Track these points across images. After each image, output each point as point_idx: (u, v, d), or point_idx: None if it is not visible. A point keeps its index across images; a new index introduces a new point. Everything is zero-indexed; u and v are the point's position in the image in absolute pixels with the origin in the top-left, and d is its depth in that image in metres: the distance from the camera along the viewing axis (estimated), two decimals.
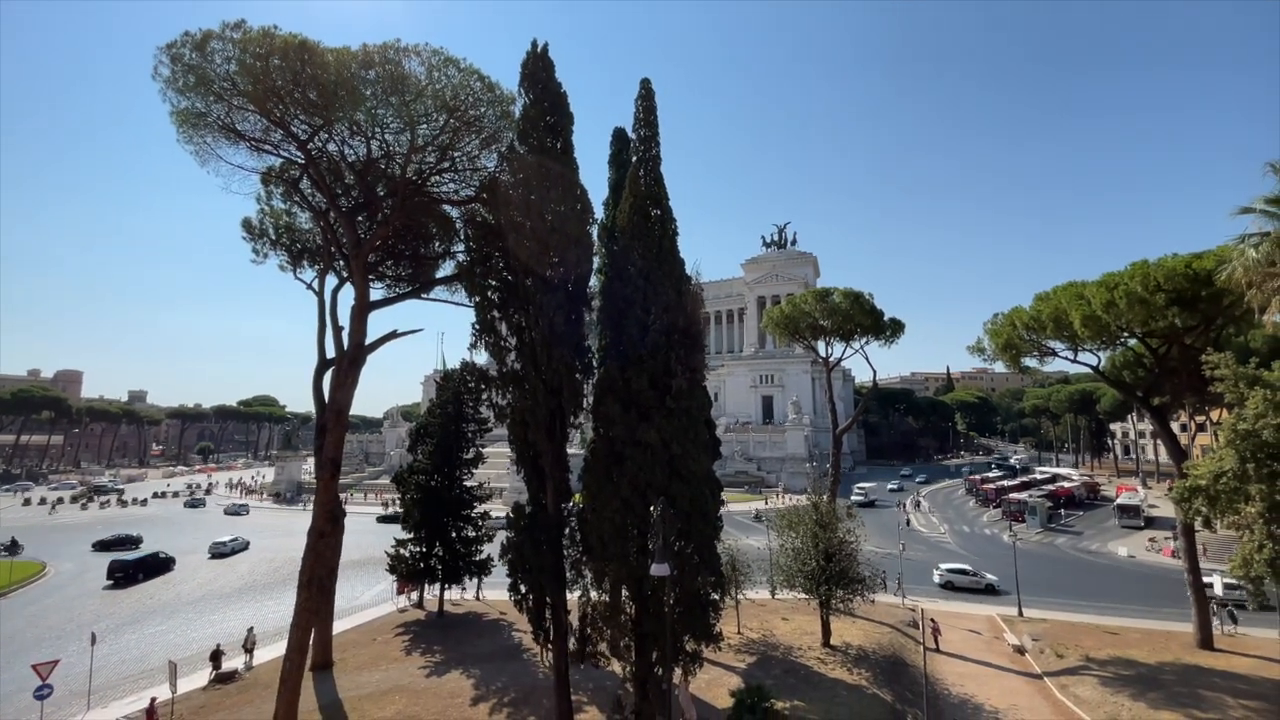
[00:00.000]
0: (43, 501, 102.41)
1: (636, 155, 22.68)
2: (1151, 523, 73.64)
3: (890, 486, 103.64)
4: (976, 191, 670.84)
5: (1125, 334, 36.81)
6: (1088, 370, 43.19)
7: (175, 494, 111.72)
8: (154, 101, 28.91)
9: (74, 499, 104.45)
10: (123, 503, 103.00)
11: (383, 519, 79.71)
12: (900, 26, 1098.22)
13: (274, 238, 31.79)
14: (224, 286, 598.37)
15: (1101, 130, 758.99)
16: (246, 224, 31.49)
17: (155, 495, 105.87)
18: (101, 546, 63.06)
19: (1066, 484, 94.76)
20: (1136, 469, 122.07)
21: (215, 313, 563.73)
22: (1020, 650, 35.01)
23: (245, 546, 64.71)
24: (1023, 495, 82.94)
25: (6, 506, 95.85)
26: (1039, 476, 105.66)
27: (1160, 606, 41.95)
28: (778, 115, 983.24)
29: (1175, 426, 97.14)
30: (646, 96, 22.45)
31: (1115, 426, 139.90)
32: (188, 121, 22.96)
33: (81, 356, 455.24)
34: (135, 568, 51.86)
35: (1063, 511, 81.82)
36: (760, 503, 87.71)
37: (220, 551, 61.41)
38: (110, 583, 50.31)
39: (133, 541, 64.58)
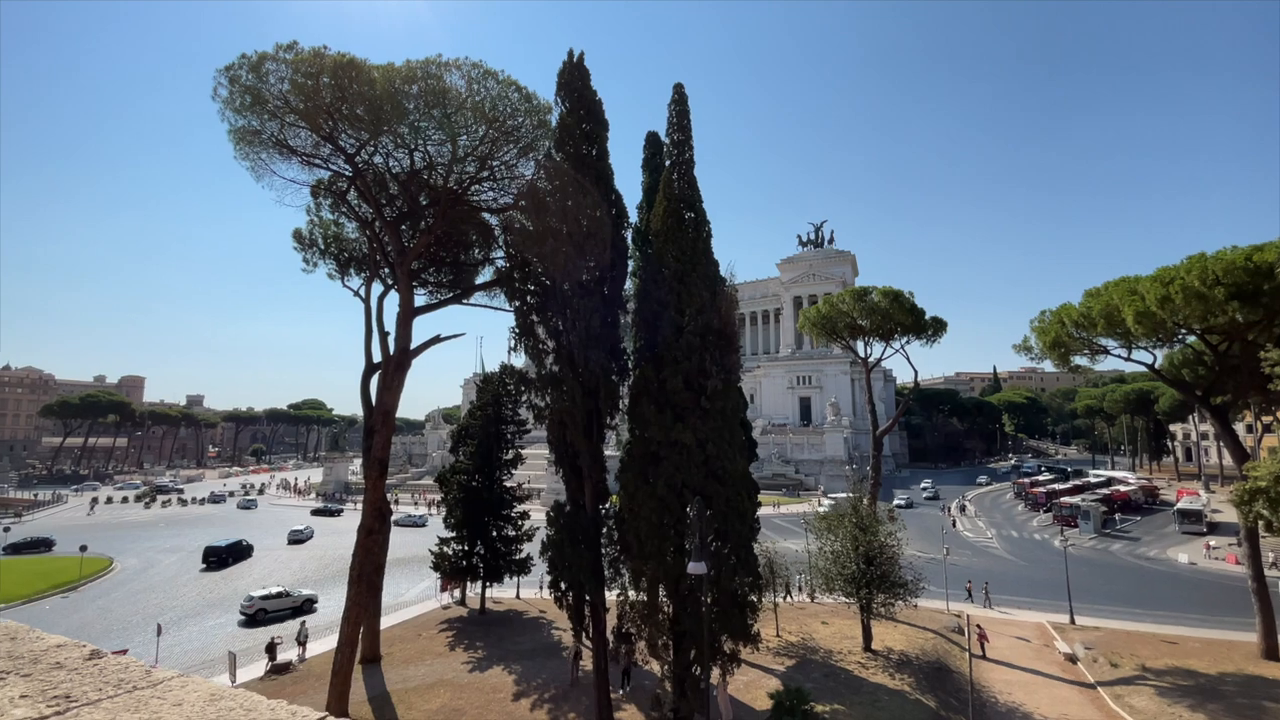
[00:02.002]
0: (109, 501, 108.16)
1: (670, 159, 22.95)
2: (1215, 528, 70.00)
3: (925, 493, 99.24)
4: (1025, 186, 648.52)
5: (1183, 331, 35.25)
6: (1143, 369, 41.47)
7: (231, 494, 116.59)
8: (211, 121, 30.50)
9: (138, 498, 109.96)
10: (182, 502, 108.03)
11: (316, 512, 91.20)
12: (944, 23, 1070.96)
13: (323, 247, 33.11)
14: (275, 295, 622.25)
15: (1157, 124, 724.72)
16: (297, 235, 32.89)
17: (214, 495, 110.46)
18: (12, 549, 63.96)
19: (1123, 488, 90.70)
20: (1198, 472, 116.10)
21: (267, 319, 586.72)
22: (1072, 659, 33.85)
23: (312, 535, 73.32)
24: (1075, 499, 79.74)
25: (74, 505, 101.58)
26: (1093, 480, 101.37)
27: (1222, 615, 39.95)
28: (816, 113, 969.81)
29: (1240, 428, 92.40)
30: (679, 101, 22.70)
31: (1175, 428, 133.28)
32: (244, 139, 24.20)
33: (143, 362, 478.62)
34: (225, 553, 58.47)
35: (1118, 516, 78.40)
36: (802, 506, 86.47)
37: (298, 538, 70.71)
38: (204, 566, 56.77)
39: (45, 544, 66.13)
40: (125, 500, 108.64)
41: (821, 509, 79.13)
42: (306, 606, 43.28)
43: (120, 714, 1.47)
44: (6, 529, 69.77)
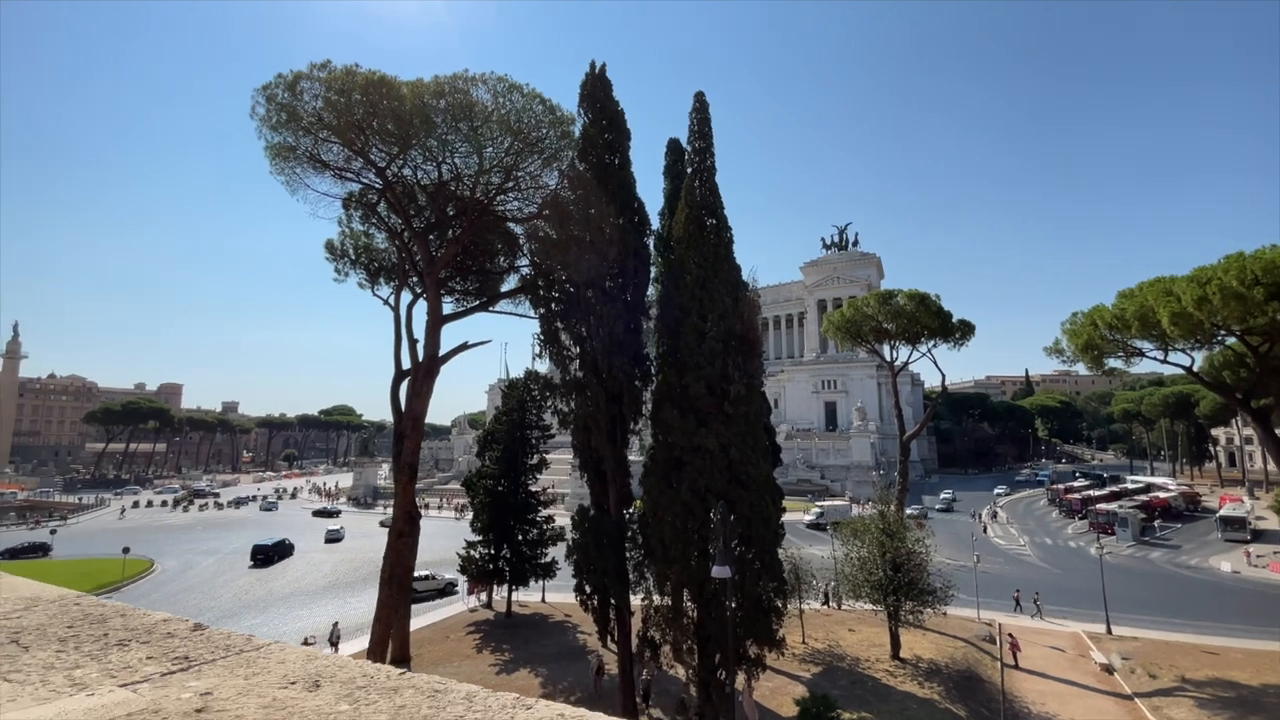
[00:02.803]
0: (149, 504, 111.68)
1: (691, 166, 23.22)
2: (1259, 536, 67.52)
3: (938, 505, 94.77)
4: (1057, 186, 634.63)
5: (1221, 332, 34.31)
6: (1182, 370, 40.41)
7: (264, 497, 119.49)
8: (245, 130, 31.62)
9: (176, 502, 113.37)
10: (219, 505, 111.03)
11: (317, 513, 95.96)
12: (973, 22, 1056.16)
13: (354, 257, 34.05)
14: (307, 303, 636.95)
15: (1191, 120, 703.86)
16: (329, 245, 33.88)
17: (266, 502, 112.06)
18: (9, 554, 65.10)
19: (1162, 494, 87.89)
20: (1242, 478, 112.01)
21: (300, 327, 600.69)
22: (1109, 669, 33.02)
23: (343, 536, 76.32)
24: (1112, 506, 77.63)
25: (117, 509, 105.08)
26: (1131, 486, 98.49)
27: (1266, 625, 38.55)
28: (841, 114, 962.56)
29: None
30: (700, 109, 22.97)
31: (1218, 432, 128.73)
32: (280, 154, 25.13)
33: (181, 370, 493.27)
34: (271, 551, 62.40)
35: (1158, 523, 76.04)
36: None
37: (334, 538, 74.52)
38: (252, 563, 60.24)
39: (41, 548, 66.95)
40: (164, 504, 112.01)
41: (808, 517, 78.30)
42: (449, 589, 47.12)
43: (236, 669, 1.76)
44: (53, 531, 72.61)
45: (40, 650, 1.94)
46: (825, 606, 41.79)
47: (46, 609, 2.43)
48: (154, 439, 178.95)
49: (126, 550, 58.17)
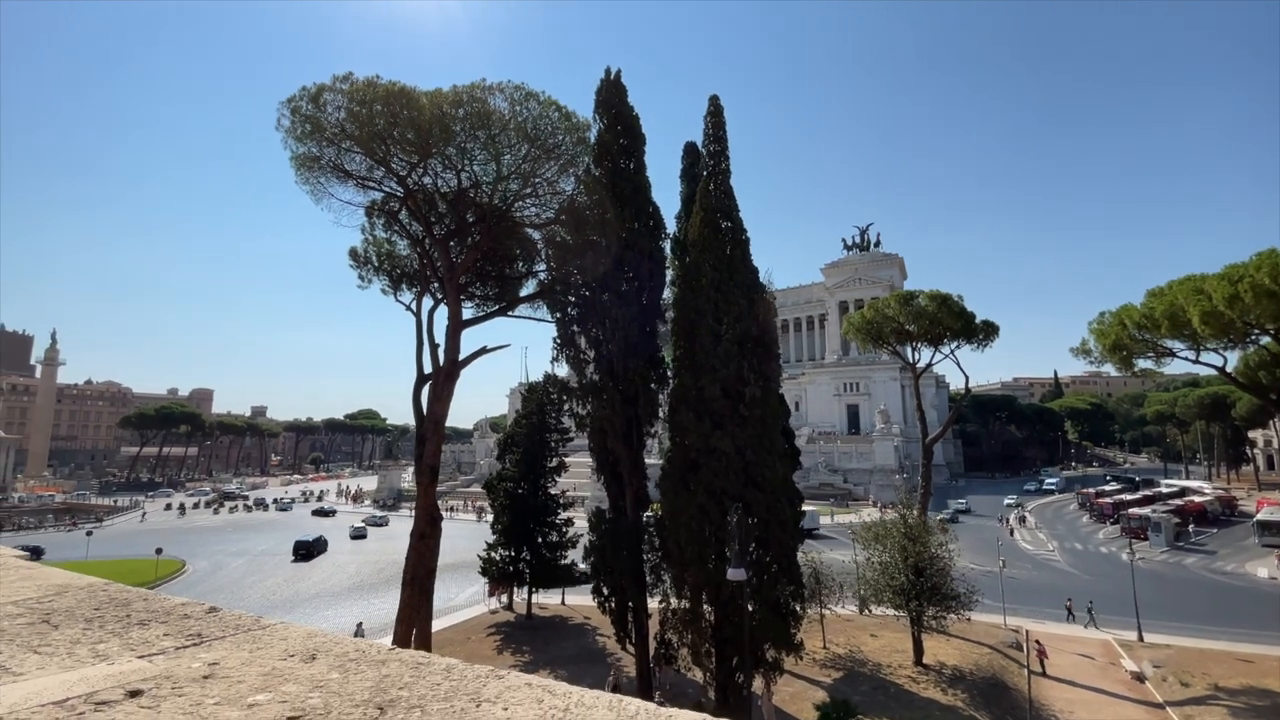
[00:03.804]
0: (181, 507, 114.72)
1: (706, 170, 23.34)
2: None
3: (946, 512, 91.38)
4: (1086, 185, 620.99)
5: (1255, 331, 33.37)
6: (1216, 371, 39.35)
7: (291, 500, 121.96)
8: (273, 140, 32.46)
9: (207, 504, 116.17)
10: (248, 508, 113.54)
11: (316, 513, 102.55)
12: (998, 17, 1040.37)
13: (376, 264, 34.65)
14: (332, 309, 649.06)
15: (1219, 119, 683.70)
16: (353, 253, 34.55)
17: (320, 509, 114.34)
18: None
19: (1197, 498, 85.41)
20: None
21: (325, 333, 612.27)
22: (1139, 678, 32.21)
23: (365, 534, 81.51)
24: (1145, 510, 75.57)
25: (150, 511, 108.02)
26: (1164, 490, 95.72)
27: None
28: (862, 113, 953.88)
29: None
30: (715, 113, 23.08)
31: (1255, 434, 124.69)
32: (304, 165, 25.75)
33: (212, 375, 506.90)
34: (311, 546, 67.42)
35: (1193, 528, 73.93)
36: (850, 516, 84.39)
37: (358, 534, 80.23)
38: (295, 557, 64.75)
39: (35, 551, 66.65)
40: (196, 506, 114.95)
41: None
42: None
43: (243, 644, 1.93)
44: (89, 533, 74.84)
45: (69, 628, 2.13)
46: (852, 611, 41.22)
47: (76, 594, 2.63)
48: (186, 443, 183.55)
49: (159, 551, 59.85)
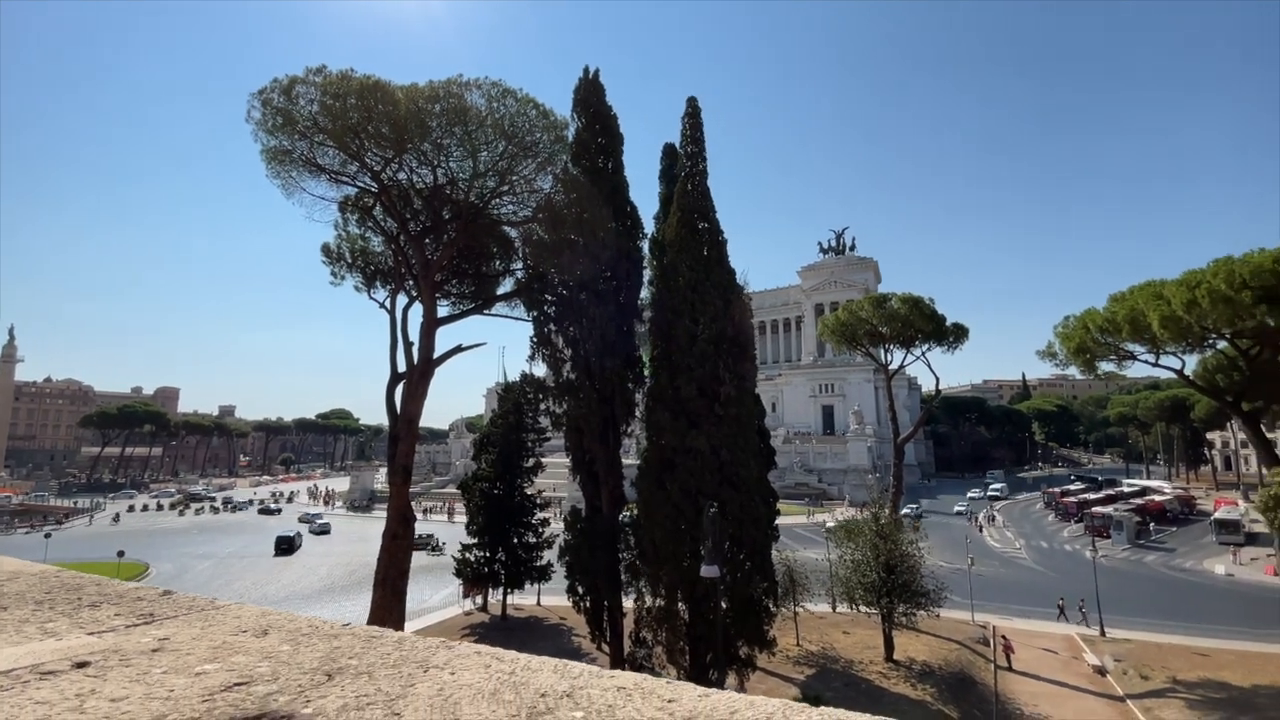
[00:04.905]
0: (145, 508, 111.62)
1: (684, 171, 23.49)
2: (1254, 539, 67.72)
3: (909, 508, 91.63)
4: (1055, 190, 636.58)
5: (1212, 335, 34.60)
6: (1175, 374, 40.71)
7: (262, 501, 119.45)
8: (242, 136, 31.87)
9: (172, 506, 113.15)
10: (215, 509, 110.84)
11: (262, 511, 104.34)
12: (969, 23, 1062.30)
13: (350, 261, 34.14)
14: (304, 307, 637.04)
15: (1186, 125, 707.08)
16: (325, 249, 34.00)
17: (245, 502, 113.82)
18: None
19: (1158, 497, 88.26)
20: (1237, 481, 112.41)
21: (297, 331, 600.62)
22: (1101, 671, 33.17)
23: (329, 529, 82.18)
24: (1107, 509, 77.93)
25: (112, 512, 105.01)
26: (1126, 489, 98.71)
27: (1258, 627, 38.77)
28: (838, 118, 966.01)
29: None
30: (693, 115, 23.24)
31: (1213, 435, 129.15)
32: (275, 158, 25.30)
33: (178, 374, 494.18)
34: (288, 543, 69.34)
35: (1153, 527, 76.33)
36: (822, 516, 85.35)
37: (321, 530, 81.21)
38: (276, 553, 66.71)
39: None
40: (160, 508, 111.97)
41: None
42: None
43: (194, 622, 1.94)
44: (48, 535, 72.37)
45: (18, 609, 2.11)
46: (825, 608, 41.70)
47: (28, 579, 2.61)
48: (150, 443, 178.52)
49: (121, 554, 58.06)
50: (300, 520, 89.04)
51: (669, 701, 1.32)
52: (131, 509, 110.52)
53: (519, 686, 1.37)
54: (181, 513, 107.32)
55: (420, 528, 37.90)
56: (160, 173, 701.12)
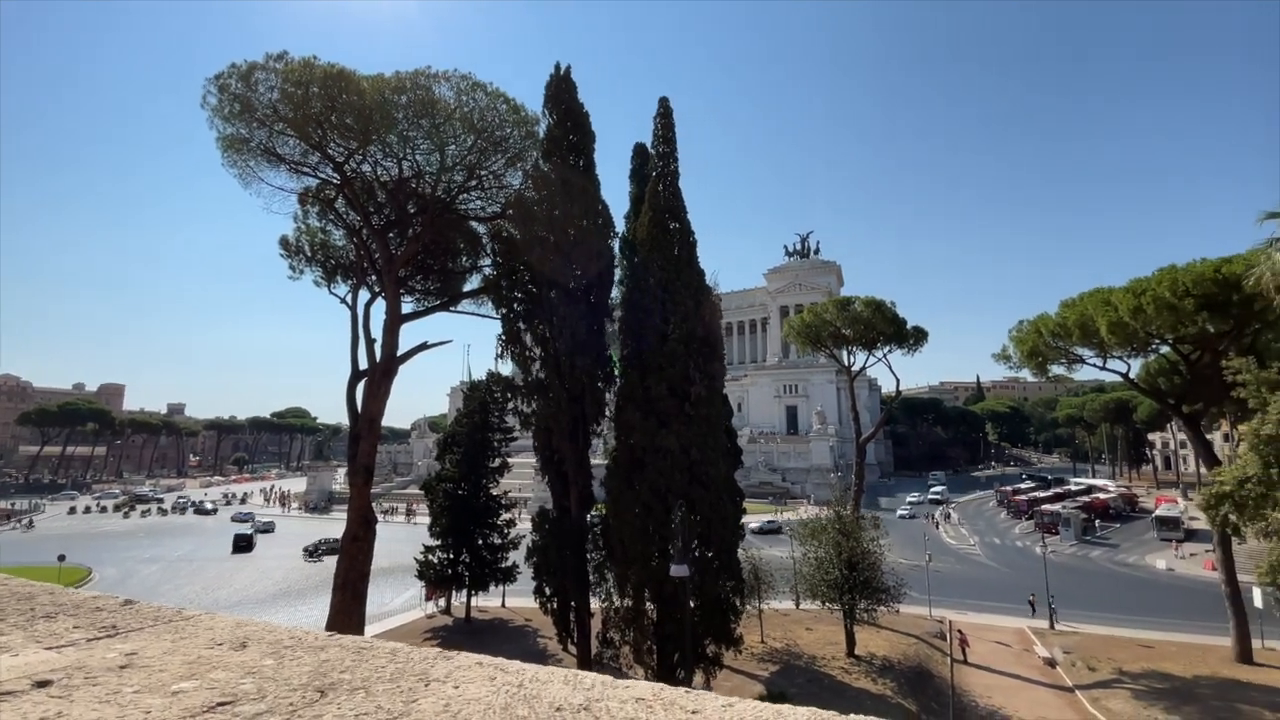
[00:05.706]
0: (87, 510, 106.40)
1: (655, 171, 23.47)
2: (1192, 535, 71.28)
3: (910, 499, 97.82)
4: (1011, 196, 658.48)
5: (1156, 341, 36.24)
6: (1120, 378, 42.51)
7: (213, 502, 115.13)
8: (198, 124, 30.63)
9: (116, 508, 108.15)
10: (162, 511, 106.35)
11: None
12: (926, 31, 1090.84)
13: (310, 255, 33.10)
14: (260, 302, 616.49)
15: (1144, 124, 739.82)
16: (284, 242, 32.89)
17: (191, 503, 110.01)
18: None
19: (1103, 495, 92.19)
20: (1177, 480, 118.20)
21: (251, 327, 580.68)
22: (1051, 663, 34.42)
23: (272, 528, 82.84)
24: (1056, 507, 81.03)
25: (52, 515, 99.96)
26: (1074, 488, 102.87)
27: (1198, 620, 40.76)
28: (802, 123, 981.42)
29: (1218, 436, 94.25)
30: (665, 115, 23.24)
31: (1154, 436, 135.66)
32: (232, 146, 24.37)
33: (123, 370, 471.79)
34: (246, 541, 70.26)
35: (1098, 524, 79.65)
36: (787, 514, 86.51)
37: (266, 528, 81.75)
38: (234, 549, 67.59)
39: None
40: (104, 509, 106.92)
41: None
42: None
43: (164, 634, 1.79)
44: None
45: None
46: (789, 605, 42.35)
47: None
48: (93, 442, 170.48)
49: (62, 558, 55.09)
50: (233, 520, 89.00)
51: (692, 713, 1.26)
52: (73, 511, 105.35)
53: (531, 700, 1.29)
54: (126, 515, 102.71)
55: (382, 530, 37.07)
56: (105, 158, 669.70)
